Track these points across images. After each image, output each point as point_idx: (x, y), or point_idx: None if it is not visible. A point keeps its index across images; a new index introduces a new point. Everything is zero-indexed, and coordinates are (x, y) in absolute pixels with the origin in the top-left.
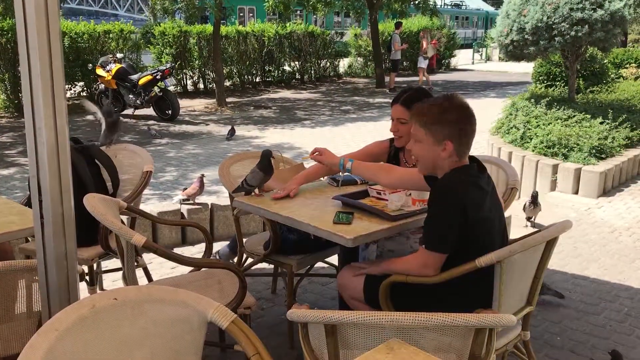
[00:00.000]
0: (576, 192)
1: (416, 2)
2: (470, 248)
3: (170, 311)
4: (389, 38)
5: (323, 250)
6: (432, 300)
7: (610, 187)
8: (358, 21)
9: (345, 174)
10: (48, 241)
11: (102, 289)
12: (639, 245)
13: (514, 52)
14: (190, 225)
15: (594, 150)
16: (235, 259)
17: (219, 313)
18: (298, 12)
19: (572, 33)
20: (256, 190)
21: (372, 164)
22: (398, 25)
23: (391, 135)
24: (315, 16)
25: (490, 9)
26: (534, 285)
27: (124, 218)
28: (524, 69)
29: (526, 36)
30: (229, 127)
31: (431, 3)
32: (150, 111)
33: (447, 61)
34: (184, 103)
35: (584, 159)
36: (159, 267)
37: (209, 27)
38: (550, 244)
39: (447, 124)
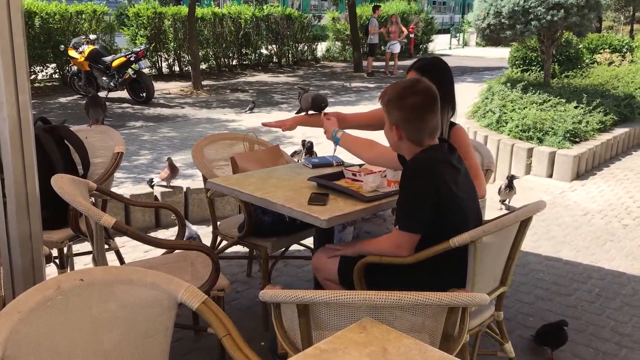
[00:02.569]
0: (550, 176)
1: None
2: (444, 228)
3: (140, 292)
4: (367, 22)
5: (298, 232)
6: (406, 281)
7: (583, 171)
8: (336, 4)
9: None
10: (11, 221)
11: None
12: (610, 227)
13: (490, 36)
14: (162, 207)
15: (568, 135)
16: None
17: (189, 294)
18: None
19: (548, 17)
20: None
21: (361, 137)
22: (375, 8)
23: None
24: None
25: None
26: (507, 266)
27: (97, 201)
28: (501, 55)
29: (503, 20)
30: (250, 103)
31: None
32: (124, 94)
33: (424, 46)
34: (158, 86)
35: (559, 142)
36: (132, 250)
37: (184, 9)
38: (524, 225)
39: (401, 109)
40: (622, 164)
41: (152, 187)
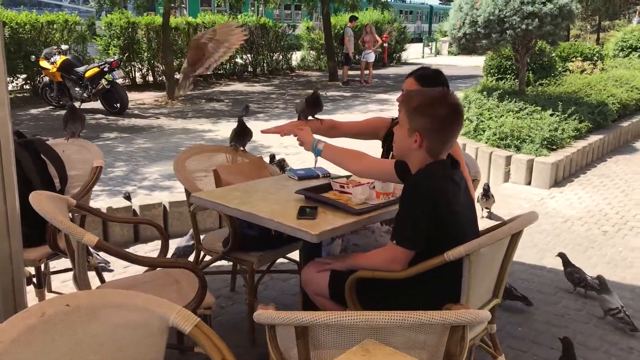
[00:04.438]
0: (529, 183)
1: None
2: (441, 244)
3: (128, 316)
4: (342, 31)
5: (284, 246)
6: (398, 295)
7: (561, 178)
8: (310, 14)
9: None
10: None
11: (50, 291)
12: (590, 234)
13: (466, 45)
14: (143, 223)
15: (545, 142)
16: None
17: (180, 317)
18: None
19: (523, 26)
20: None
21: (345, 148)
22: (352, 19)
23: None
24: (260, 8)
25: (434, 2)
26: (499, 278)
27: (75, 217)
28: (473, 63)
29: (478, 29)
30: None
31: None
32: (97, 104)
33: (398, 55)
34: (132, 96)
35: (536, 150)
36: (111, 265)
37: (157, 19)
38: (515, 236)
39: (427, 117)
40: (598, 170)
41: (129, 200)
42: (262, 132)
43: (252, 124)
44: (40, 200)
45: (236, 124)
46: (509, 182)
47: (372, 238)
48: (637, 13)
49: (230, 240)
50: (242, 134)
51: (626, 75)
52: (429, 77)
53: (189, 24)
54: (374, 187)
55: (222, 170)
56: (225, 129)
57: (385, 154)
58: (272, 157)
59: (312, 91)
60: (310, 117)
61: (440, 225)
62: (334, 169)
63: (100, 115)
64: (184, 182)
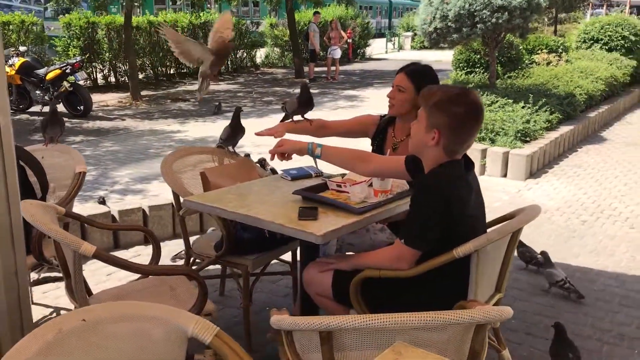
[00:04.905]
0: (505, 175)
1: None
2: (450, 243)
3: (146, 328)
4: (306, 28)
5: (278, 248)
6: (405, 293)
7: (536, 170)
8: (275, 10)
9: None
10: None
11: (32, 303)
12: (570, 224)
13: (437, 40)
14: (136, 230)
15: (519, 134)
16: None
17: (200, 327)
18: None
19: (493, 20)
20: (294, 117)
21: (346, 149)
22: (316, 14)
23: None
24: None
25: None
26: (502, 273)
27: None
28: (436, 57)
29: (449, 23)
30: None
31: None
32: (60, 107)
33: (362, 51)
34: (95, 98)
35: (511, 142)
36: (92, 274)
37: (118, 18)
38: (517, 231)
39: (447, 114)
40: (570, 160)
41: (104, 204)
42: (256, 134)
43: (220, 123)
44: (32, 209)
45: (211, 123)
46: (485, 175)
47: (367, 237)
48: (590, 6)
49: (224, 243)
50: (235, 131)
51: (590, 67)
52: (419, 73)
53: (150, 22)
54: (370, 184)
55: (209, 172)
56: (193, 129)
57: (375, 152)
58: (247, 155)
59: (298, 94)
60: (299, 117)
61: (450, 225)
62: (327, 167)
63: (63, 119)
64: (173, 185)
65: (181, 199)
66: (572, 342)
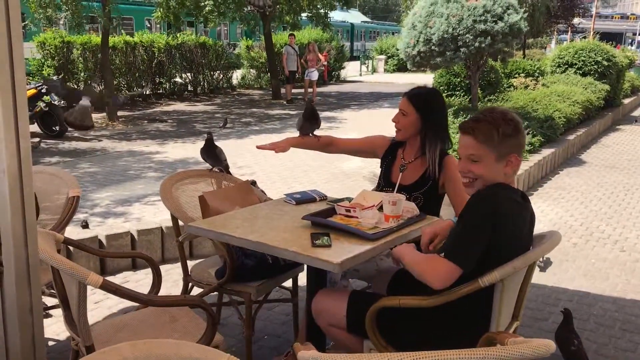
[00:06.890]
0: None
1: (309, 14)
2: (485, 270)
3: None
4: (282, 50)
5: (282, 274)
6: (424, 323)
7: None
8: (253, 32)
9: (296, 195)
10: (9, 293)
11: None
12: (562, 247)
13: (421, 63)
14: (138, 257)
15: None
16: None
17: None
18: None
19: (476, 44)
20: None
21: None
22: (291, 36)
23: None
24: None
25: (356, 21)
26: (519, 300)
27: None
28: (410, 80)
29: (433, 47)
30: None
31: (323, 15)
32: (34, 128)
33: (337, 73)
34: None
35: None
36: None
37: (94, 38)
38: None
39: (518, 137)
40: (554, 183)
41: (87, 228)
42: (257, 147)
43: (200, 144)
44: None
45: (191, 144)
46: None
47: (372, 262)
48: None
49: (227, 270)
50: (214, 153)
51: (567, 91)
52: (421, 96)
53: (127, 43)
54: (381, 208)
55: (208, 196)
56: (173, 150)
57: (383, 173)
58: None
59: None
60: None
61: (492, 248)
62: (330, 191)
63: (38, 139)
64: (174, 210)
65: (180, 223)
66: (576, 331)
